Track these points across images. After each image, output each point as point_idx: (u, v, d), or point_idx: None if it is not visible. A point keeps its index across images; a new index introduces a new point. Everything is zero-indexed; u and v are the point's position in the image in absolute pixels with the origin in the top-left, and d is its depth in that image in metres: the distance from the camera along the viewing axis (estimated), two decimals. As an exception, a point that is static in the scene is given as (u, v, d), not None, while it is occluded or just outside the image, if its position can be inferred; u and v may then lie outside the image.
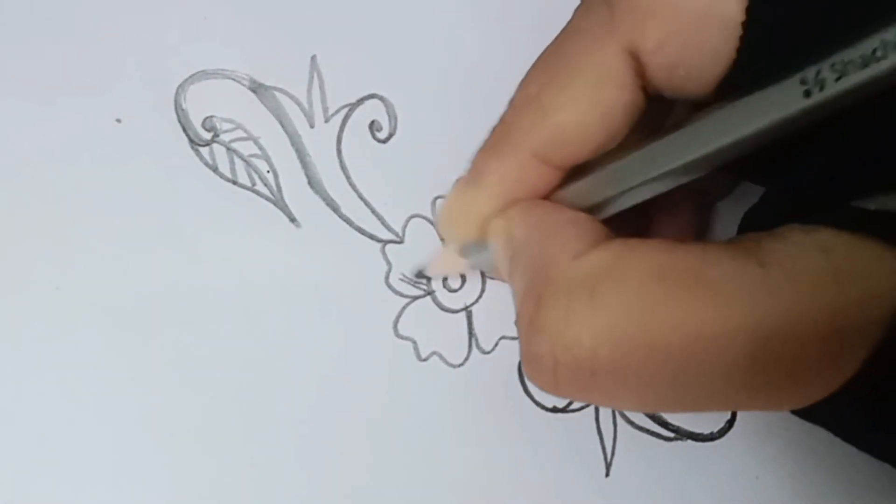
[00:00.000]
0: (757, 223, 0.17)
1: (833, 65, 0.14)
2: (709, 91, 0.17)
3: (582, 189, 0.19)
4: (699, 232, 0.24)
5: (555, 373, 0.16)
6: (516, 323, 0.17)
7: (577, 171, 0.19)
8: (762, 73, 0.16)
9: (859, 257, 0.15)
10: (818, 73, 0.15)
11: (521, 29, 0.25)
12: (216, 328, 0.24)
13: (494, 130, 0.19)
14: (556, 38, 0.19)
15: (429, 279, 0.25)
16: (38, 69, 0.24)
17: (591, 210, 0.19)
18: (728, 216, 0.24)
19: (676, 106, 0.20)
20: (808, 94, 0.15)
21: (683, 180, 0.18)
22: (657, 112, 0.19)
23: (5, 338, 0.23)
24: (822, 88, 0.15)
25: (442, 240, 0.24)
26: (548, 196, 0.19)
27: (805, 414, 0.17)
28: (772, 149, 0.16)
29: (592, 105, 0.18)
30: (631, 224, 0.20)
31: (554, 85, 0.18)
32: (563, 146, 0.18)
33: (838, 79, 0.14)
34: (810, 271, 0.14)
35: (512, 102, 0.19)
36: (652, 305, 0.15)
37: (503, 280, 0.22)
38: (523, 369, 0.17)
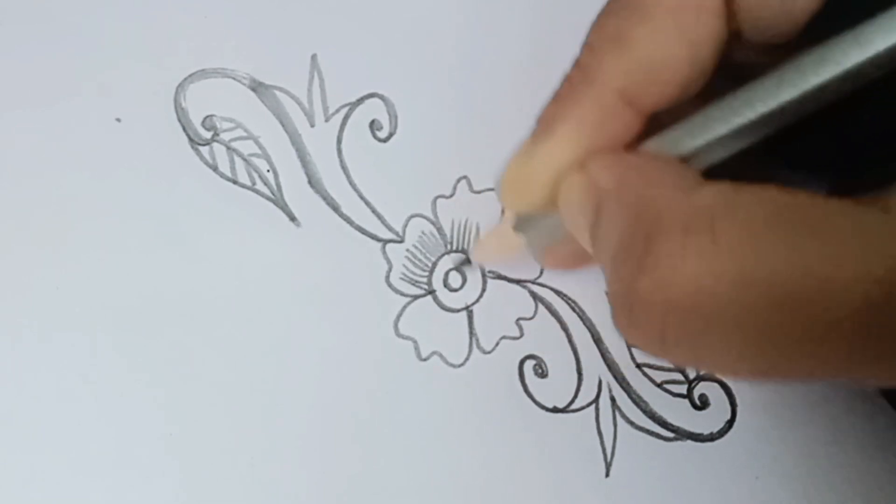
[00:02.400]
0: (859, 185, 0.16)
1: None
2: (797, 30, 0.16)
3: (668, 140, 0.17)
4: None
5: (664, 319, 0.14)
6: (606, 293, 0.16)
7: (655, 127, 0.17)
8: (853, 11, 0.14)
9: None
10: None
11: (521, 29, 0.25)
12: (216, 328, 0.24)
13: (567, 76, 0.18)
14: None
15: (470, 264, 0.23)
16: (38, 69, 0.24)
17: None
18: None
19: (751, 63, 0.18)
20: None
21: (775, 127, 0.16)
22: (736, 66, 0.18)
23: (5, 338, 0.23)
24: None
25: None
26: (627, 151, 0.18)
27: None
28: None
29: (680, 36, 0.16)
30: None
31: (636, 17, 0.17)
32: (650, 83, 0.17)
33: None
34: None
35: (586, 43, 0.17)
36: (775, 243, 0.14)
37: (556, 264, 0.20)
38: (618, 324, 0.15)
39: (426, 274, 0.25)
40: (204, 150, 0.24)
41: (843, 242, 0.13)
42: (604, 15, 0.17)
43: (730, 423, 0.24)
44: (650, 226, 0.15)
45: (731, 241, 0.14)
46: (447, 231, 0.25)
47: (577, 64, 0.17)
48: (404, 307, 0.24)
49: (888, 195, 0.14)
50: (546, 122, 0.18)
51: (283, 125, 0.25)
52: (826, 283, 0.13)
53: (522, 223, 0.20)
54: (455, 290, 0.25)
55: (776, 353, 0.14)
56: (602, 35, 0.17)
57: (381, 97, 0.25)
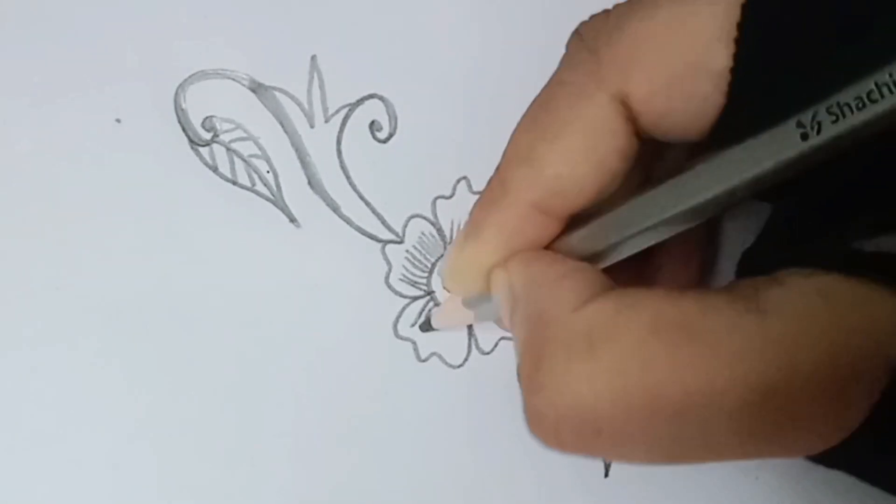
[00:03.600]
0: (755, 265, 0.17)
1: (829, 107, 0.14)
2: (701, 135, 0.17)
3: (582, 237, 0.19)
4: (705, 250, 0.24)
5: (557, 430, 0.15)
6: (518, 377, 0.17)
7: (577, 219, 0.19)
8: (753, 119, 0.16)
9: (860, 301, 0.14)
10: (814, 115, 0.15)
11: (521, 29, 0.25)
12: (216, 328, 0.24)
13: (490, 184, 0.19)
14: (543, 91, 0.19)
15: (431, 330, 0.24)
16: (38, 69, 0.24)
17: (594, 257, 0.19)
18: (733, 227, 0.24)
19: (669, 149, 0.20)
20: (805, 137, 0.15)
21: (682, 227, 0.18)
22: (652, 153, 0.19)
23: (5, 338, 0.23)
24: (819, 131, 0.15)
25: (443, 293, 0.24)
26: (549, 245, 0.19)
27: (822, 460, 0.16)
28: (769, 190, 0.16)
29: (586, 155, 0.18)
30: (636, 259, 0.19)
31: (545, 138, 0.18)
32: (560, 197, 0.18)
33: (835, 121, 0.14)
34: (810, 318, 0.14)
35: (505, 153, 0.19)
36: (651, 360, 0.15)
37: (510, 331, 0.22)
38: (527, 425, 0.17)
39: (426, 275, 0.25)
40: (204, 150, 0.25)
41: (717, 352, 0.14)
42: (520, 128, 0.19)
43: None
44: (540, 344, 0.16)
45: (609, 360, 0.15)
46: (447, 232, 0.25)
47: (498, 172, 0.19)
48: (404, 308, 0.24)
49: (767, 293, 0.15)
50: (474, 224, 0.19)
51: (282, 126, 0.25)
52: (701, 393, 0.14)
53: (469, 302, 0.22)
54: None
55: (665, 453, 0.16)
56: (516, 151, 0.19)
57: (381, 98, 0.25)
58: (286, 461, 0.23)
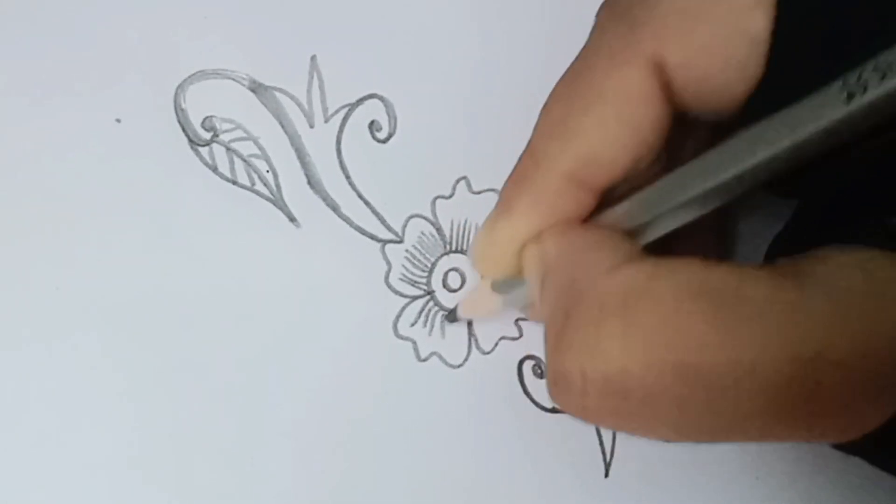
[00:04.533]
0: (787, 247, 0.16)
1: (876, 66, 0.14)
2: (736, 107, 0.17)
3: (617, 214, 0.18)
4: (722, 249, 0.24)
5: (583, 393, 0.15)
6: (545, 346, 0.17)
7: (611, 196, 0.19)
8: (789, 87, 0.15)
9: None
10: (860, 75, 0.14)
11: (521, 28, 0.25)
12: (216, 328, 0.24)
13: (522, 158, 0.19)
14: (576, 59, 0.18)
15: (457, 320, 0.24)
16: (38, 69, 0.24)
17: (629, 236, 0.18)
18: (751, 234, 0.24)
19: (696, 129, 0.19)
20: (850, 97, 0.14)
21: (723, 201, 0.17)
22: (678, 136, 0.19)
23: (5, 338, 0.23)
24: (864, 91, 0.14)
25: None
26: (583, 223, 0.19)
27: (847, 448, 0.16)
28: (806, 164, 0.15)
29: (621, 124, 0.17)
30: (656, 247, 0.19)
31: (579, 106, 0.17)
32: (595, 168, 0.18)
33: (882, 79, 0.14)
34: (851, 292, 0.14)
35: (537, 127, 0.18)
36: (687, 324, 0.14)
37: (538, 319, 0.21)
38: (549, 391, 0.16)
39: (425, 275, 0.25)
40: (203, 150, 0.25)
41: (754, 323, 0.14)
42: (551, 100, 0.18)
43: (729, 424, 0.24)
44: (571, 304, 0.15)
45: (644, 323, 0.14)
46: (447, 231, 0.25)
47: (529, 147, 0.18)
48: (403, 308, 0.24)
49: (805, 268, 0.14)
50: (506, 201, 0.19)
51: (282, 126, 0.25)
52: (737, 362, 0.14)
53: (499, 286, 0.21)
54: (454, 291, 0.25)
55: (693, 426, 0.15)
56: (549, 122, 0.18)
57: (381, 98, 0.25)
58: (286, 461, 0.23)
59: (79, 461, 0.23)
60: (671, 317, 0.14)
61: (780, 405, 0.14)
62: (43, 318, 0.23)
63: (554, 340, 0.15)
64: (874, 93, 0.14)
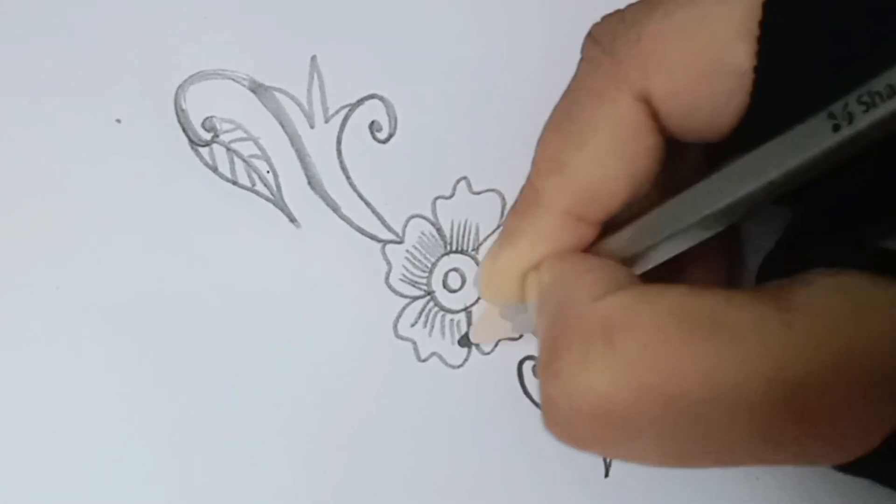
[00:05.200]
0: (777, 267, 0.16)
1: (860, 97, 0.14)
2: (725, 134, 0.17)
3: (615, 243, 0.19)
4: (730, 257, 0.24)
5: (570, 421, 0.15)
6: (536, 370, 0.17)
7: (614, 223, 0.19)
8: (777, 116, 0.15)
9: (885, 299, 0.14)
10: (846, 105, 0.14)
11: (521, 28, 0.25)
12: (216, 328, 0.24)
13: (523, 191, 0.19)
14: (565, 96, 0.18)
15: (473, 346, 0.24)
16: (38, 69, 0.24)
17: (627, 264, 0.19)
18: (756, 232, 0.24)
19: (688, 151, 0.20)
20: (836, 128, 0.15)
21: (717, 229, 0.17)
22: (672, 157, 0.19)
23: (5, 338, 0.23)
24: (851, 121, 0.14)
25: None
26: (584, 252, 0.19)
27: (852, 469, 0.16)
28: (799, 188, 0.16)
29: (615, 158, 0.17)
30: (661, 274, 0.19)
31: (573, 144, 0.18)
32: (593, 202, 0.18)
33: (866, 110, 0.14)
34: (836, 315, 0.14)
35: (534, 162, 0.19)
36: (670, 351, 0.14)
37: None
38: (542, 418, 0.16)
39: (426, 275, 0.25)
40: (204, 151, 0.25)
41: (738, 348, 0.14)
42: (545, 138, 0.19)
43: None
44: (559, 332, 0.16)
45: (626, 351, 0.14)
46: (447, 232, 0.25)
47: (529, 182, 0.19)
48: (404, 308, 0.24)
49: (790, 292, 0.15)
50: (509, 232, 0.19)
51: (282, 126, 0.25)
52: (721, 388, 0.14)
53: (507, 311, 0.21)
54: (454, 292, 0.25)
55: (680, 453, 0.15)
56: (545, 159, 0.18)
57: (381, 98, 0.25)
58: (286, 461, 0.23)
59: (79, 461, 0.23)
60: (653, 344, 0.14)
61: (768, 429, 0.14)
62: (43, 318, 0.23)
63: (543, 369, 0.16)
64: (860, 123, 0.14)
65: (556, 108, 0.19)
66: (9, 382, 0.23)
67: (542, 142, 0.19)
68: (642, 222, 0.18)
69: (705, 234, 0.18)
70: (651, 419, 0.14)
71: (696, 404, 0.14)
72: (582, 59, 0.19)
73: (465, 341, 0.24)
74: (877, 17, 0.15)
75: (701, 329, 0.14)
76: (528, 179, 0.19)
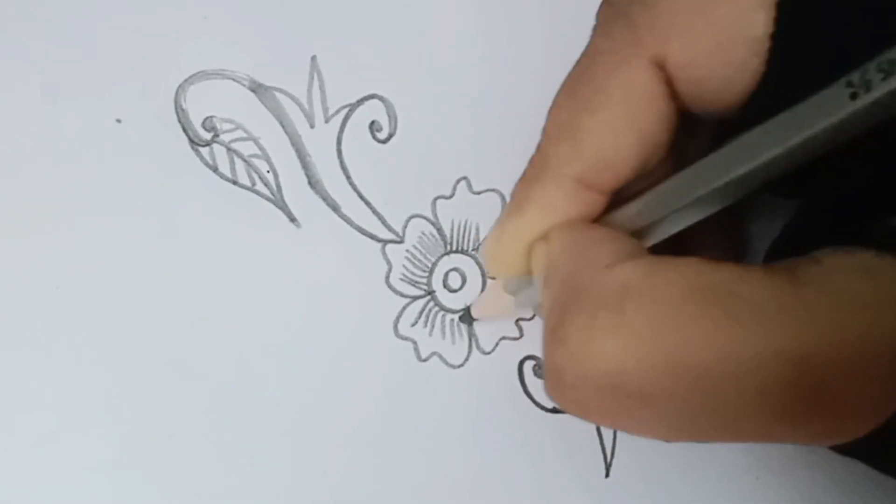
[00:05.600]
0: (787, 249, 0.16)
1: (879, 64, 0.14)
2: (739, 105, 0.17)
3: (625, 214, 0.18)
4: (736, 248, 0.24)
5: (577, 389, 0.15)
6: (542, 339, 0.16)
7: (621, 196, 0.19)
8: (794, 85, 0.15)
9: None
10: (864, 73, 0.14)
11: (522, 28, 0.25)
12: (216, 328, 0.24)
13: (532, 159, 0.19)
14: (580, 61, 0.18)
15: (473, 321, 0.24)
16: (38, 69, 0.24)
17: (638, 235, 0.18)
18: (760, 233, 0.24)
19: (698, 128, 0.20)
20: (854, 96, 0.14)
21: (731, 200, 0.17)
22: (687, 134, 0.19)
23: (5, 338, 0.23)
24: (868, 90, 0.14)
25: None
26: (591, 222, 0.19)
27: (846, 449, 0.15)
28: (810, 164, 0.16)
29: (628, 124, 0.17)
30: (668, 245, 0.19)
31: (586, 108, 0.17)
32: (604, 170, 0.18)
33: (884, 78, 0.14)
34: (851, 293, 0.14)
35: (545, 130, 0.18)
36: (684, 322, 0.14)
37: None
38: (545, 385, 0.16)
39: (426, 275, 0.25)
40: (204, 151, 0.25)
41: (753, 322, 0.14)
42: (558, 103, 0.18)
43: (729, 424, 0.24)
44: (568, 299, 0.15)
45: (640, 320, 0.14)
46: (447, 231, 0.25)
47: (539, 149, 0.18)
48: (404, 308, 0.24)
49: (804, 269, 0.14)
50: (517, 201, 0.19)
51: (283, 126, 0.25)
52: (734, 361, 0.14)
53: (511, 285, 0.21)
54: (455, 291, 0.25)
55: (690, 425, 0.15)
56: (556, 125, 0.18)
57: (381, 98, 0.25)
58: (286, 461, 0.23)
59: (79, 461, 0.23)
60: (668, 315, 0.14)
61: (779, 404, 0.14)
62: (43, 318, 0.23)
63: (550, 334, 0.15)
64: (878, 91, 0.14)
65: (570, 74, 0.18)
66: (9, 382, 0.23)
67: (553, 107, 0.18)
68: (652, 194, 0.18)
69: (717, 207, 0.17)
70: (661, 390, 0.14)
71: (708, 377, 0.14)
72: (597, 24, 0.18)
73: (466, 317, 0.24)
74: None
75: (715, 302, 0.14)
76: (538, 147, 0.19)
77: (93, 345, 0.23)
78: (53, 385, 0.23)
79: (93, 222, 0.24)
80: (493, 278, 0.24)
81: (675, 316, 0.14)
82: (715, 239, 0.22)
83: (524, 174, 0.19)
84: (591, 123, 0.17)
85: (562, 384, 0.15)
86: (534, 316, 0.25)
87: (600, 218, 0.19)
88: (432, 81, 0.25)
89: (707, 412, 0.14)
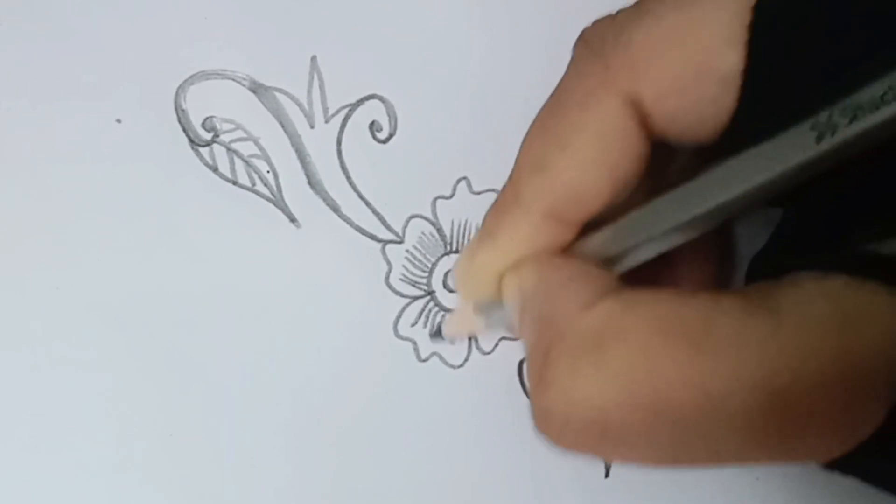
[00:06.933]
0: (765, 269, 0.16)
1: (844, 108, 0.14)
2: (713, 138, 0.17)
3: (596, 243, 0.19)
4: (721, 255, 0.24)
5: (564, 429, 0.15)
6: (521, 378, 0.17)
7: (592, 225, 0.19)
8: (765, 122, 0.16)
9: (871, 305, 0.14)
10: (830, 117, 0.15)
11: (522, 28, 0.25)
12: (216, 328, 0.24)
13: (504, 190, 0.19)
14: (551, 98, 0.18)
15: (443, 339, 0.24)
16: (38, 69, 0.24)
17: (608, 263, 0.19)
18: (749, 232, 0.24)
19: (679, 152, 0.20)
20: (820, 139, 0.15)
21: (696, 233, 0.17)
22: (663, 158, 0.19)
23: (5, 338, 0.23)
24: (833, 133, 0.14)
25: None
26: (563, 251, 0.19)
27: (836, 466, 0.16)
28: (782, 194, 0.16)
29: (598, 161, 0.17)
30: (650, 268, 0.19)
31: (556, 145, 0.18)
32: (574, 204, 0.18)
33: (850, 122, 0.14)
34: (822, 322, 0.14)
35: (516, 163, 0.19)
36: (658, 361, 0.14)
37: (520, 336, 0.22)
38: (534, 423, 0.16)
39: (426, 275, 0.25)
40: (204, 151, 0.25)
41: (726, 356, 0.14)
42: (530, 135, 0.19)
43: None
44: (549, 342, 0.16)
45: (617, 362, 0.15)
46: (447, 232, 0.25)
47: (511, 180, 0.19)
48: (404, 308, 0.24)
49: (777, 297, 0.15)
50: (488, 229, 0.19)
51: (282, 126, 0.25)
52: (708, 396, 0.14)
53: (481, 307, 0.21)
54: (455, 291, 0.25)
55: (670, 457, 0.15)
56: (528, 158, 0.18)
57: (381, 98, 0.25)
58: (286, 461, 0.23)
59: (78, 461, 0.23)
60: (643, 354, 0.15)
61: (755, 434, 0.14)
62: (43, 318, 0.23)
63: (535, 379, 0.16)
64: (843, 135, 0.14)
65: (542, 109, 0.19)
66: (9, 382, 0.23)
67: (526, 141, 0.19)
68: (623, 223, 0.18)
69: (686, 238, 0.18)
70: (642, 427, 0.15)
71: (685, 413, 0.14)
72: (572, 60, 0.19)
73: (437, 334, 0.24)
74: (867, 28, 0.15)
75: (688, 339, 0.14)
76: (510, 178, 0.19)
77: (92, 345, 0.23)
78: (53, 385, 0.23)
79: (92, 222, 0.24)
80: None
81: (649, 356, 0.15)
82: (701, 249, 0.22)
83: (496, 203, 0.19)
84: (562, 159, 0.18)
85: (550, 425, 0.16)
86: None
87: (572, 244, 0.19)
88: (432, 81, 0.25)
89: (687, 444, 0.15)
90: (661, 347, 0.15)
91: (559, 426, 0.15)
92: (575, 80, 0.18)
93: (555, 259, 0.19)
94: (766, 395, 0.14)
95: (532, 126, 0.19)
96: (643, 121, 0.17)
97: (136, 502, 0.23)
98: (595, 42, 0.18)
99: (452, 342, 0.24)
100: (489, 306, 0.21)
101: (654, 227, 0.18)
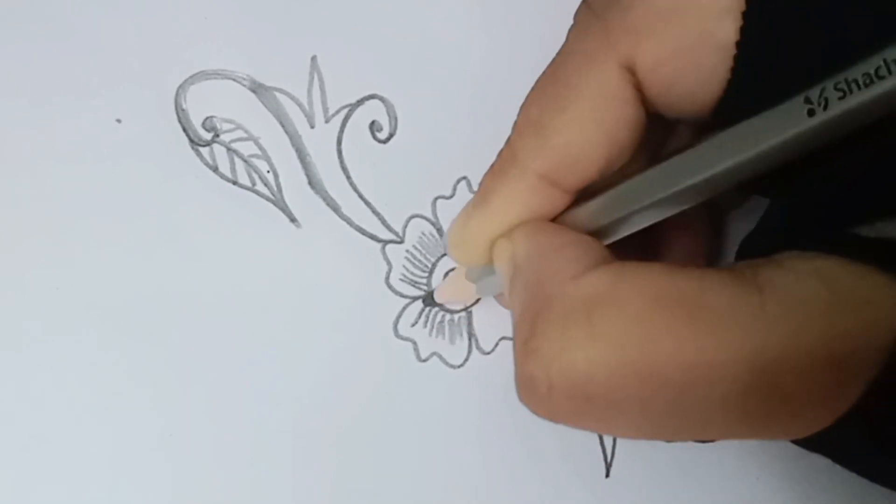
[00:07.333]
0: (755, 249, 0.17)
1: (837, 83, 0.14)
2: (707, 111, 0.17)
3: (588, 212, 0.19)
4: (711, 245, 0.24)
5: (549, 397, 0.15)
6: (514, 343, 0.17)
7: (586, 193, 0.19)
8: (759, 95, 0.16)
9: (858, 286, 0.14)
10: (822, 91, 0.14)
11: (521, 28, 0.25)
12: (216, 328, 0.24)
13: (500, 154, 0.19)
14: (553, 60, 0.19)
15: (435, 305, 0.25)
16: (38, 69, 0.24)
17: (599, 233, 0.19)
18: (739, 227, 0.24)
19: (678, 127, 0.20)
20: (811, 113, 0.15)
21: (688, 204, 0.17)
22: (660, 133, 0.19)
23: (5, 338, 0.23)
24: (825, 108, 0.14)
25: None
26: (555, 219, 0.19)
27: (806, 443, 0.16)
28: (777, 170, 0.16)
29: (595, 124, 0.18)
30: (642, 240, 0.19)
31: (554, 107, 0.18)
32: (568, 168, 0.18)
33: (842, 97, 0.14)
34: (809, 300, 0.14)
35: (515, 125, 0.19)
36: (649, 332, 0.15)
37: (509, 304, 0.22)
38: (517, 391, 0.16)
39: (426, 275, 0.25)
40: (204, 151, 0.25)
41: (715, 329, 0.14)
42: (530, 98, 0.19)
43: (729, 424, 0.24)
44: (538, 309, 0.16)
45: (608, 330, 0.15)
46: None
47: (508, 143, 0.19)
48: (404, 308, 0.24)
49: (766, 274, 0.15)
50: (482, 193, 0.19)
51: (283, 126, 0.25)
52: (697, 368, 0.14)
53: (473, 273, 0.22)
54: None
55: (655, 428, 0.15)
56: (526, 120, 0.18)
57: (381, 98, 0.25)
58: (286, 461, 0.23)
59: (78, 461, 0.23)
60: (633, 324, 0.15)
61: (740, 408, 0.14)
62: (43, 318, 0.23)
63: (521, 345, 0.16)
64: (834, 110, 0.14)
65: (543, 72, 0.19)
66: (9, 382, 0.23)
67: (525, 103, 0.19)
68: (613, 193, 0.18)
69: (678, 208, 0.18)
70: (629, 397, 0.15)
71: (673, 384, 0.14)
72: (574, 24, 0.19)
73: (429, 300, 0.24)
74: (862, 3, 0.15)
75: (678, 310, 0.15)
76: (507, 141, 0.19)
77: (92, 345, 0.23)
78: (53, 385, 0.23)
79: (93, 222, 0.24)
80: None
81: (640, 325, 0.15)
82: (691, 228, 0.22)
83: (492, 167, 0.19)
84: (559, 121, 0.18)
85: (534, 392, 0.16)
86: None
87: (564, 213, 0.19)
88: (432, 81, 0.25)
89: (672, 416, 0.15)
90: (652, 318, 0.15)
91: (544, 393, 0.15)
92: (576, 43, 0.18)
93: (548, 226, 0.19)
94: (753, 370, 0.14)
95: (532, 89, 0.19)
96: (640, 89, 0.18)
97: (136, 502, 0.23)
98: (598, 4, 0.18)
99: (443, 307, 0.25)
100: (480, 271, 0.21)
101: (643, 198, 0.18)
